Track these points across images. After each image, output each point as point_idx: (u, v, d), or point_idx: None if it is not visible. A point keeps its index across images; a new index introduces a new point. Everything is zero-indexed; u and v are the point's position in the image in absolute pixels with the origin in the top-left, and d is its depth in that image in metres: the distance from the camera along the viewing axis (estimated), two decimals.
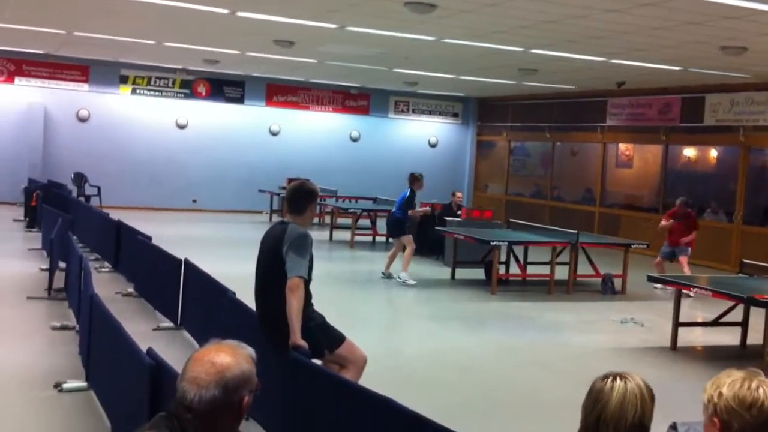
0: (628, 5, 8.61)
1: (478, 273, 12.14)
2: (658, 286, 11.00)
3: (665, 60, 12.71)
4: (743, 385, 2.15)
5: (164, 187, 20.05)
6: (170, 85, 20.25)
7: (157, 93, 20.16)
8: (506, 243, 11.65)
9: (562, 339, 8.87)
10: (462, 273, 12.24)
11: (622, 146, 19.44)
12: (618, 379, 2.27)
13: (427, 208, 12.44)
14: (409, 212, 11.89)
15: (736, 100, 15.39)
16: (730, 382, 2.17)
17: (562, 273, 11.63)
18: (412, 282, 11.32)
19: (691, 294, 9.15)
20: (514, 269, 12.20)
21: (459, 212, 14.32)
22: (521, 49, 12.43)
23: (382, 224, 16.22)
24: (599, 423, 2.24)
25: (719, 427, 2.14)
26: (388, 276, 11.75)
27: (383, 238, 15.80)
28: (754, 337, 8.31)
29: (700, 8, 8.46)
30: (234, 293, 6.16)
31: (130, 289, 9.31)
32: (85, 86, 19.56)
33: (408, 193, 11.87)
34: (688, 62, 12.83)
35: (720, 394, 2.16)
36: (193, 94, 20.48)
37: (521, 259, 12.22)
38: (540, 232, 13.14)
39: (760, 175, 16.28)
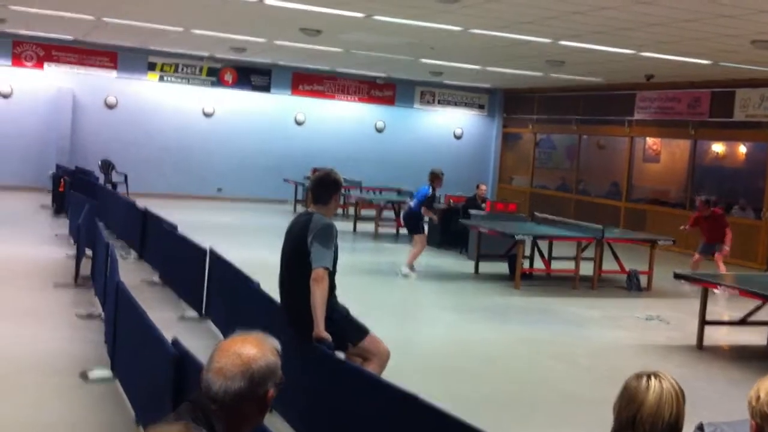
0: None
1: (502, 267, 12.08)
2: (684, 282, 10.85)
3: (695, 53, 12.54)
4: None
5: (190, 175, 20.15)
6: (197, 72, 20.32)
7: (184, 80, 20.25)
8: (531, 237, 11.58)
9: (586, 334, 8.81)
10: (485, 267, 12.18)
11: (649, 140, 19.25)
12: (653, 378, 2.25)
13: (434, 216, 12.21)
14: (422, 209, 11.73)
15: (767, 95, 15.17)
16: None
17: (587, 268, 11.54)
18: (413, 275, 11.23)
19: (718, 291, 9.04)
20: (539, 263, 12.12)
21: (483, 205, 14.26)
22: (549, 40, 12.32)
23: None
24: (635, 422, 2.21)
25: (754, 429, 2.12)
26: (408, 272, 11.58)
27: (406, 230, 15.77)
28: None
29: (733, 1, 8.32)
30: (258, 283, 6.17)
31: (156, 278, 9.36)
32: (114, 73, 19.68)
33: (428, 191, 11.64)
34: (719, 56, 12.65)
35: (758, 398, 2.14)
36: (219, 82, 20.54)
37: (546, 253, 12.14)
38: (565, 227, 13.04)
39: None
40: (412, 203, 12.02)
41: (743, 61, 12.92)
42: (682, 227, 12.63)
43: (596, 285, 11.50)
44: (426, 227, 12.01)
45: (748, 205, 16.15)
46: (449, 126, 23.23)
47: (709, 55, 12.71)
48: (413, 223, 11.81)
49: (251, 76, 20.80)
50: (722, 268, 11.54)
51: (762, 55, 11.77)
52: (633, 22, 10.22)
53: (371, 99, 22.25)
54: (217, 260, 7.48)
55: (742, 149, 17.46)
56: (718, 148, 17.72)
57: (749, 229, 15.38)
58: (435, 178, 11.74)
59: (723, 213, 12.56)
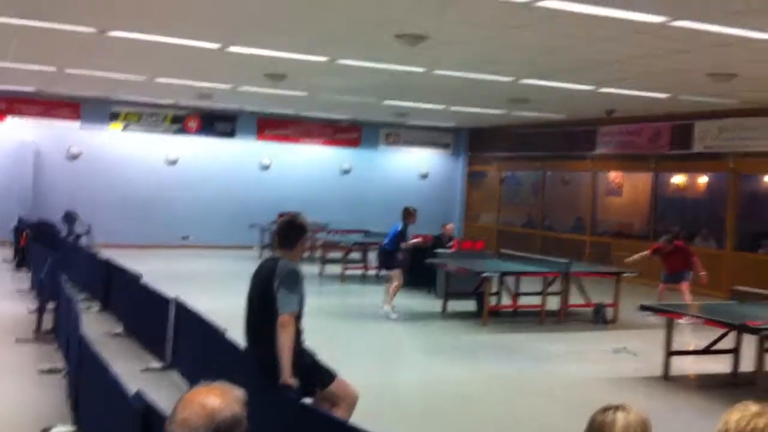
0: (619, 34, 8.68)
1: (470, 304, 12.10)
2: (649, 313, 10.97)
3: (654, 88, 12.82)
4: (750, 424, 2.14)
5: (155, 224, 19.99)
6: (161, 120, 20.30)
7: (148, 129, 20.20)
8: (498, 274, 11.64)
9: (555, 369, 8.84)
10: (453, 305, 12.19)
11: (612, 174, 19.53)
12: (619, 410, 2.25)
13: (419, 239, 12.38)
14: (402, 244, 11.85)
15: (725, 126, 15.51)
16: (738, 419, 2.16)
17: (553, 303, 11.61)
18: (393, 315, 11.27)
19: (683, 321, 9.14)
20: (506, 300, 12.17)
21: (450, 243, 14.32)
22: (511, 79, 12.52)
23: (373, 257, 16.23)
24: None
25: None
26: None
27: (374, 272, 15.77)
28: (746, 365, 8.28)
29: (690, 37, 8.54)
30: (225, 331, 6.12)
31: (120, 329, 9.23)
32: (77, 123, 19.58)
33: (401, 227, 11.87)
34: (677, 89, 12.94)
35: (726, 431, 2.15)
36: (184, 130, 20.52)
37: (513, 289, 12.20)
38: (531, 262, 13.13)
39: (750, 200, 16.35)
40: (385, 241, 12.09)
41: (700, 94, 13.22)
42: (626, 261, 12.65)
43: (563, 319, 11.58)
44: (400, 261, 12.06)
45: (710, 234, 16.40)
46: (415, 166, 23.39)
47: (667, 90, 12.99)
48: (387, 259, 11.85)
49: (216, 122, 20.82)
50: (688, 298, 11.69)
51: (718, 88, 12.04)
52: (594, 60, 10.43)
53: (336, 141, 22.36)
54: (182, 309, 7.41)
55: (703, 180, 17.78)
56: (679, 179, 18.02)
57: (712, 258, 15.57)
58: (408, 214, 11.91)
59: (685, 245, 12.75)
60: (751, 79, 11.31)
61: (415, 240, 12.15)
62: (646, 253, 12.56)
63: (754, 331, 7.39)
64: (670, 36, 8.57)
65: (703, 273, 12.01)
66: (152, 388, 5.23)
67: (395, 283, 11.56)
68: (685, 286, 11.99)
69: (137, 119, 20.07)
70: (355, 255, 16.59)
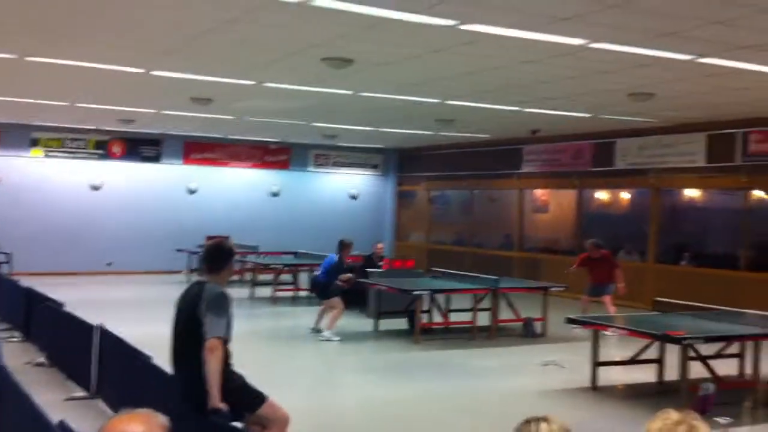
0: (541, 56, 8.89)
1: (402, 323, 12.14)
2: (576, 326, 11.20)
3: (576, 107, 13.15)
4: None
5: (79, 251, 19.50)
6: (84, 146, 19.87)
7: (70, 155, 19.74)
8: (428, 292, 11.71)
9: (487, 384, 8.92)
10: (386, 324, 12.22)
11: (538, 192, 19.92)
12: (541, 422, 2.27)
13: (351, 275, 12.27)
14: (338, 281, 11.75)
15: (645, 143, 16.00)
16: (660, 428, 2.20)
17: (484, 319, 11.74)
18: (335, 339, 11.24)
19: (608, 333, 9.35)
20: (438, 318, 12.25)
21: (381, 263, 14.36)
22: (437, 100, 12.68)
23: (303, 279, 16.15)
24: None
25: None
26: (317, 330, 11.62)
27: (305, 293, 15.70)
28: (671, 373, 8.51)
29: (611, 57, 8.79)
30: (150, 357, 6.00)
31: (42, 359, 8.94)
32: None
33: (336, 260, 11.78)
34: (599, 109, 13.30)
35: None
36: (107, 155, 20.12)
37: (444, 307, 12.29)
38: (462, 280, 13.26)
39: (671, 215, 16.88)
40: (318, 273, 12.01)
41: (621, 113, 13.62)
42: (566, 270, 13.11)
43: (494, 335, 11.70)
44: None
45: (633, 249, 16.84)
46: (345, 187, 23.43)
47: (589, 109, 13.34)
48: (324, 290, 11.77)
49: (140, 147, 20.48)
50: (612, 310, 11.99)
51: (638, 107, 12.42)
52: (518, 81, 10.65)
53: (265, 164, 22.24)
54: (107, 336, 7.24)
55: (626, 196, 18.28)
56: (602, 195, 18.49)
57: (636, 271, 16.00)
58: (344, 247, 11.91)
59: (610, 254, 13.09)
60: (668, 99, 11.71)
61: (348, 276, 12.02)
62: (574, 266, 12.92)
63: (676, 340, 7.59)
64: (590, 57, 8.83)
65: (622, 285, 12.36)
66: (77, 418, 5.11)
67: (336, 311, 11.47)
68: (607, 299, 12.34)
69: (59, 145, 19.60)
70: (286, 277, 16.48)
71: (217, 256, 4.93)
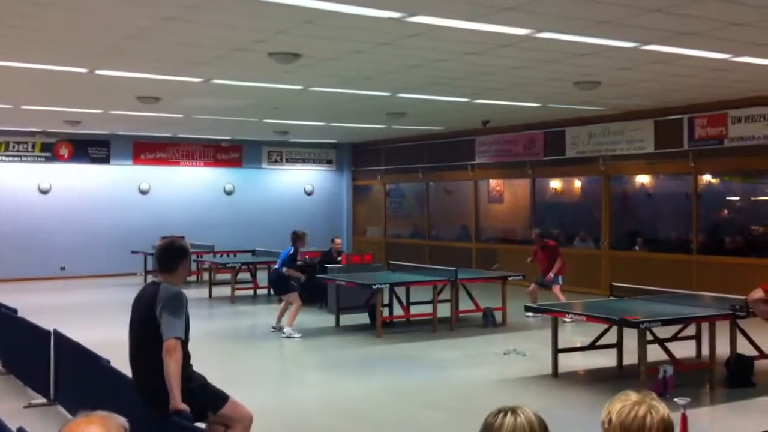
0: (484, 47, 8.94)
1: (363, 317, 12.14)
2: (530, 314, 11.38)
3: (525, 97, 13.25)
4: (631, 412, 2.20)
5: (30, 256, 19.10)
6: (30, 149, 19.45)
7: (16, 158, 19.30)
8: (388, 285, 11.72)
9: (449, 375, 8.96)
10: (346, 319, 12.20)
11: (492, 182, 20.05)
12: (509, 414, 2.25)
13: (299, 275, 12.21)
14: (284, 270, 11.74)
15: (594, 131, 16.20)
16: (620, 408, 2.21)
17: (444, 310, 11.79)
18: (297, 335, 11.19)
19: (567, 320, 9.46)
20: (398, 311, 12.27)
21: (339, 258, 14.33)
22: (388, 93, 12.68)
23: (262, 276, 16.05)
24: None
25: None
26: (279, 329, 11.55)
27: (264, 291, 15.59)
28: (630, 357, 8.63)
29: (554, 47, 8.87)
30: (108, 361, 5.90)
31: None
32: None
33: (291, 251, 11.83)
34: (547, 98, 13.42)
35: (610, 420, 2.20)
36: (55, 157, 19.72)
37: (404, 300, 12.31)
38: (420, 272, 13.30)
39: (622, 201, 17.13)
40: (277, 266, 11.94)
41: (569, 102, 13.76)
42: (528, 259, 13.37)
43: (455, 325, 11.76)
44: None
45: (588, 236, 17.06)
46: (299, 183, 23.32)
47: (538, 99, 13.45)
48: (281, 285, 11.74)
49: (88, 148, 20.11)
50: (562, 298, 12.16)
51: (585, 96, 12.57)
52: (465, 72, 10.68)
53: (218, 162, 22.03)
54: (63, 341, 7.11)
55: (578, 184, 18.50)
56: (555, 184, 18.68)
57: (591, 258, 16.24)
58: (297, 238, 11.93)
59: (556, 245, 13.30)
60: (614, 87, 11.87)
61: (296, 273, 11.98)
62: (530, 259, 13.18)
63: (633, 324, 7.70)
64: (533, 47, 8.90)
65: (550, 276, 12.64)
66: (36, 425, 5.00)
67: (294, 306, 11.42)
68: (557, 288, 12.59)
69: (3, 148, 19.15)
70: (244, 275, 16.34)
71: (169, 255, 4.87)
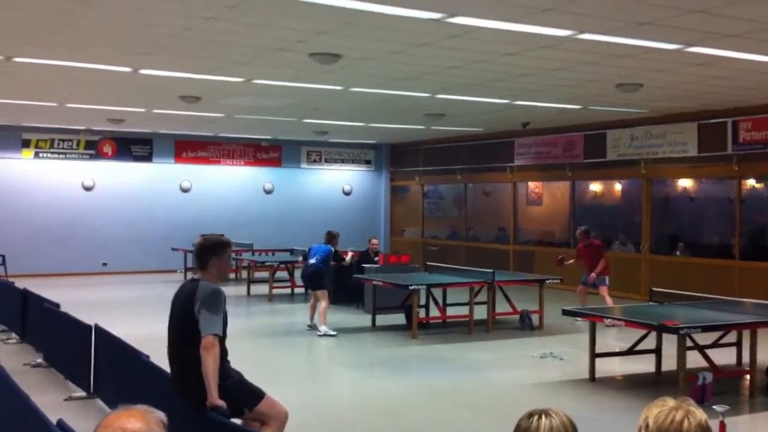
0: (524, 48, 8.90)
1: (399, 318, 12.15)
2: (579, 319, 11.18)
3: (565, 99, 13.15)
4: (668, 417, 2.19)
5: (73, 252, 19.45)
6: (75, 146, 19.80)
7: (61, 155, 19.67)
8: (424, 286, 11.72)
9: (484, 378, 8.93)
10: (382, 319, 12.22)
11: (531, 184, 19.93)
12: (543, 416, 2.27)
13: (352, 254, 12.63)
14: (343, 260, 12.25)
15: (635, 134, 16.02)
16: (657, 413, 2.21)
17: (481, 312, 11.75)
18: (332, 333, 11.25)
19: (606, 324, 9.37)
20: (434, 312, 12.25)
21: (376, 258, 14.36)
22: (427, 94, 12.67)
23: (299, 275, 16.13)
24: None
25: None
26: (314, 327, 11.63)
27: (302, 290, 15.67)
28: (668, 363, 8.52)
29: (594, 48, 8.80)
30: (148, 356, 5.99)
31: (40, 360, 8.93)
32: None
33: (331, 249, 11.99)
34: (588, 100, 13.30)
35: (647, 426, 2.20)
36: (99, 155, 20.05)
37: (440, 301, 12.29)
38: (457, 274, 13.27)
39: (663, 205, 16.91)
40: (313, 260, 11.95)
41: (610, 104, 13.62)
42: (565, 263, 13.01)
43: (491, 328, 11.71)
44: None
45: (627, 239, 16.87)
46: (338, 183, 23.41)
47: (578, 100, 13.34)
48: (317, 280, 11.79)
49: (132, 146, 20.42)
50: (608, 301, 12.00)
51: (627, 98, 12.44)
52: (504, 74, 10.64)
53: (257, 162, 22.20)
54: (104, 336, 7.23)
55: (618, 187, 18.30)
56: (595, 187, 18.51)
57: (630, 262, 16.05)
58: (332, 238, 12.10)
59: (601, 244, 13.10)
60: (657, 89, 11.72)
61: (351, 254, 12.44)
62: (572, 260, 12.94)
63: (672, 330, 7.61)
64: (576, 48, 8.83)
65: (594, 275, 12.37)
66: (76, 418, 5.09)
67: (323, 304, 11.48)
68: (604, 290, 12.34)
69: (49, 146, 19.52)
70: (282, 274, 16.45)
71: (204, 253, 4.91)
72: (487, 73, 10.62)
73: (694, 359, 7.92)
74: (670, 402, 2.24)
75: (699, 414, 2.22)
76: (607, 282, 12.46)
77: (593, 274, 12.39)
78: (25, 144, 19.29)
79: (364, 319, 12.64)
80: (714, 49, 8.75)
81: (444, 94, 12.65)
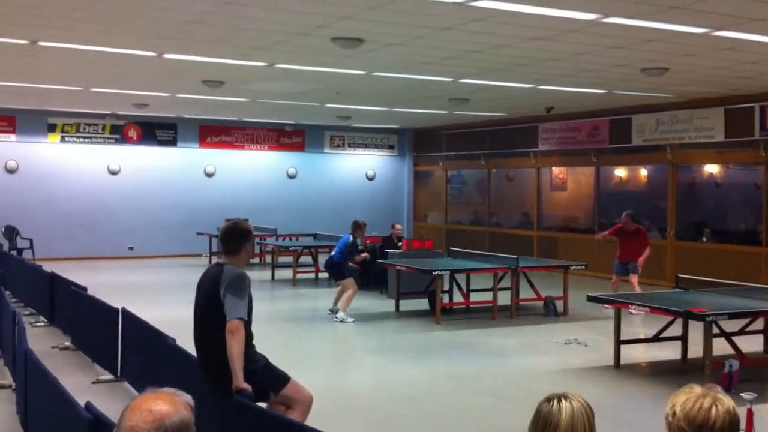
0: (550, 33, 8.83)
1: (422, 303, 12.15)
2: (608, 306, 11.01)
3: (590, 84, 13.03)
4: (696, 404, 2.18)
5: (99, 235, 19.64)
6: (100, 131, 19.94)
7: (86, 140, 19.82)
8: (448, 271, 11.71)
9: (508, 363, 8.92)
10: (406, 304, 12.23)
11: (555, 170, 19.80)
12: (563, 399, 2.27)
13: (365, 255, 12.50)
14: (352, 262, 12.04)
15: (661, 119, 15.85)
16: (685, 400, 2.20)
17: (504, 298, 11.73)
18: (350, 320, 11.25)
19: (632, 311, 9.30)
20: (458, 297, 12.25)
21: (400, 244, 14.37)
22: (450, 79, 12.61)
23: (323, 260, 16.17)
24: None
25: None
26: (334, 311, 11.68)
27: (326, 275, 15.72)
28: (694, 351, 8.47)
29: (621, 32, 8.70)
30: (174, 340, 6.05)
31: (68, 343, 9.05)
32: (12, 137, 19.11)
33: (350, 239, 11.92)
34: (613, 85, 13.17)
35: (674, 413, 2.19)
36: (124, 139, 20.19)
37: (464, 286, 12.28)
38: (481, 259, 13.25)
39: (689, 191, 16.74)
40: (333, 252, 12.06)
41: (636, 89, 13.48)
42: (596, 236, 12.69)
43: (515, 314, 11.68)
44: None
45: (652, 225, 16.72)
46: (361, 168, 23.41)
47: (603, 85, 13.21)
48: (337, 271, 11.84)
49: (156, 131, 20.53)
50: (637, 288, 11.84)
51: (653, 82, 12.31)
52: (529, 58, 10.56)
53: (281, 146, 22.25)
54: (131, 320, 7.30)
55: (644, 172, 18.14)
56: (620, 172, 18.36)
57: (656, 248, 15.82)
58: (357, 227, 12.01)
59: (645, 230, 12.87)
60: (682, 73, 11.58)
61: (363, 255, 12.28)
62: (606, 232, 12.69)
63: (698, 317, 7.55)
64: (602, 33, 8.74)
65: (641, 260, 12.17)
66: (103, 400, 5.15)
67: (350, 291, 11.48)
68: (635, 279, 12.12)
69: (74, 130, 19.68)
70: (306, 259, 16.52)
71: (232, 236, 4.94)
72: (511, 58, 10.55)
73: (720, 346, 7.85)
74: (698, 389, 2.23)
75: (727, 401, 2.21)
76: (639, 271, 12.28)
77: (641, 259, 12.14)
78: (51, 128, 19.45)
79: (387, 305, 12.66)
80: (742, 33, 8.63)
81: (467, 79, 12.58)
